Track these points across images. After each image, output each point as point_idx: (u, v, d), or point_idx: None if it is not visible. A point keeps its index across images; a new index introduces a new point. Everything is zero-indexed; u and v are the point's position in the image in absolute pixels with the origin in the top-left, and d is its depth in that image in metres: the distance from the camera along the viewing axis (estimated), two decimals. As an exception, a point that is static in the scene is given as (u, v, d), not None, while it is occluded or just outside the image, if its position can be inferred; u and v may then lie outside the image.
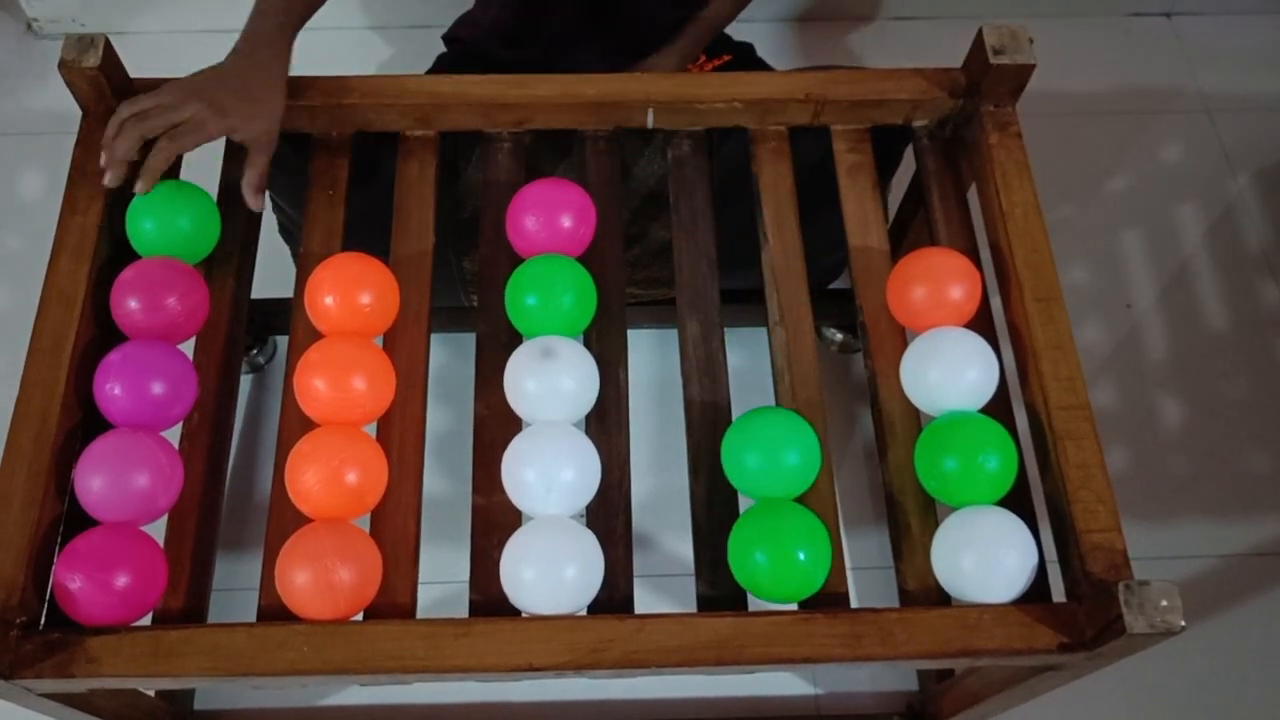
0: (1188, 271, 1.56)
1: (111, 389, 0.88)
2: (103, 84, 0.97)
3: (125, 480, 0.84)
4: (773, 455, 0.87)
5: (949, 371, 0.91)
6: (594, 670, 0.81)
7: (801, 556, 0.83)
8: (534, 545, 0.85)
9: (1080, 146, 1.66)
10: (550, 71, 1.05)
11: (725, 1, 1.25)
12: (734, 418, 0.94)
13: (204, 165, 1.10)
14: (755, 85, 1.04)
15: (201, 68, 0.97)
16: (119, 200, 0.98)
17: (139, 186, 0.93)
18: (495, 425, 0.93)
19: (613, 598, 0.87)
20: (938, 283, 0.94)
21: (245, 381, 1.43)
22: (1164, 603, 0.76)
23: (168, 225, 0.95)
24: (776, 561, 0.83)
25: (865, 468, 1.39)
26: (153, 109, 0.93)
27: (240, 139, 0.96)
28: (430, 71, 1.27)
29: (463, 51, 1.29)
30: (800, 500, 0.89)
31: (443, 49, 1.32)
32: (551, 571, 0.83)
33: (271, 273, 1.13)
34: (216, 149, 1.05)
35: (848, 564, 0.89)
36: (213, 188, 1.04)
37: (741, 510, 0.91)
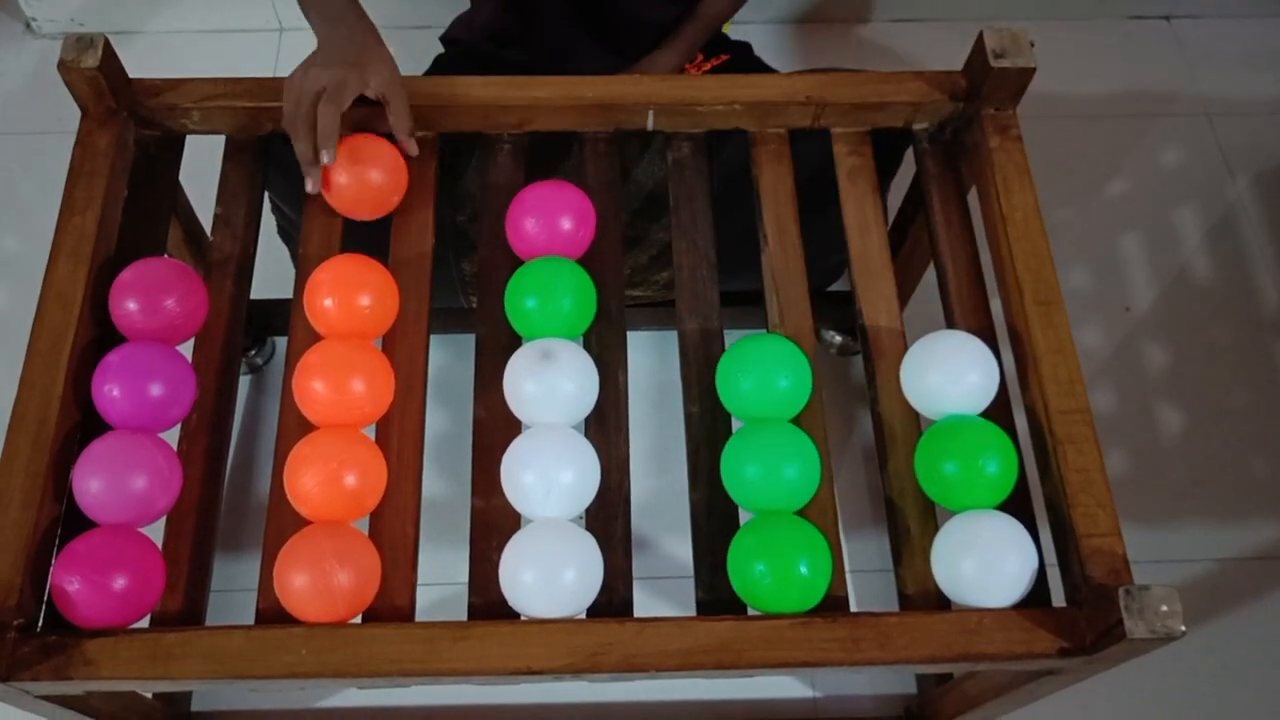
0: (1187, 275, 1.56)
1: (110, 390, 0.88)
2: (101, 84, 0.96)
3: (123, 482, 0.84)
4: (772, 469, 0.87)
5: (949, 375, 0.91)
6: (593, 674, 0.81)
7: (803, 569, 0.83)
8: (533, 548, 0.84)
9: (1079, 149, 1.66)
10: (547, 72, 1.05)
11: None
12: (734, 422, 0.94)
13: (204, 165, 1.10)
14: (755, 88, 1.04)
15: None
16: (118, 201, 0.98)
17: (326, 157, 0.94)
18: (494, 428, 0.93)
19: (612, 601, 0.87)
20: None
21: (243, 383, 1.42)
22: (1164, 608, 0.76)
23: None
24: (777, 574, 0.83)
25: (864, 471, 1.39)
26: (299, 99, 0.95)
27: (374, 90, 0.97)
28: (428, 73, 1.27)
29: (460, 53, 1.29)
30: (800, 510, 0.89)
31: (440, 50, 1.32)
32: (551, 574, 0.83)
33: (270, 274, 1.13)
34: (215, 151, 1.06)
35: (847, 567, 0.88)
36: (212, 186, 1.04)
37: (742, 516, 0.90)
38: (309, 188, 0.98)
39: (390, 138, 1.02)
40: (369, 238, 1.00)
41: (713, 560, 0.89)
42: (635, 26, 1.23)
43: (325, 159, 0.94)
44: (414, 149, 1.01)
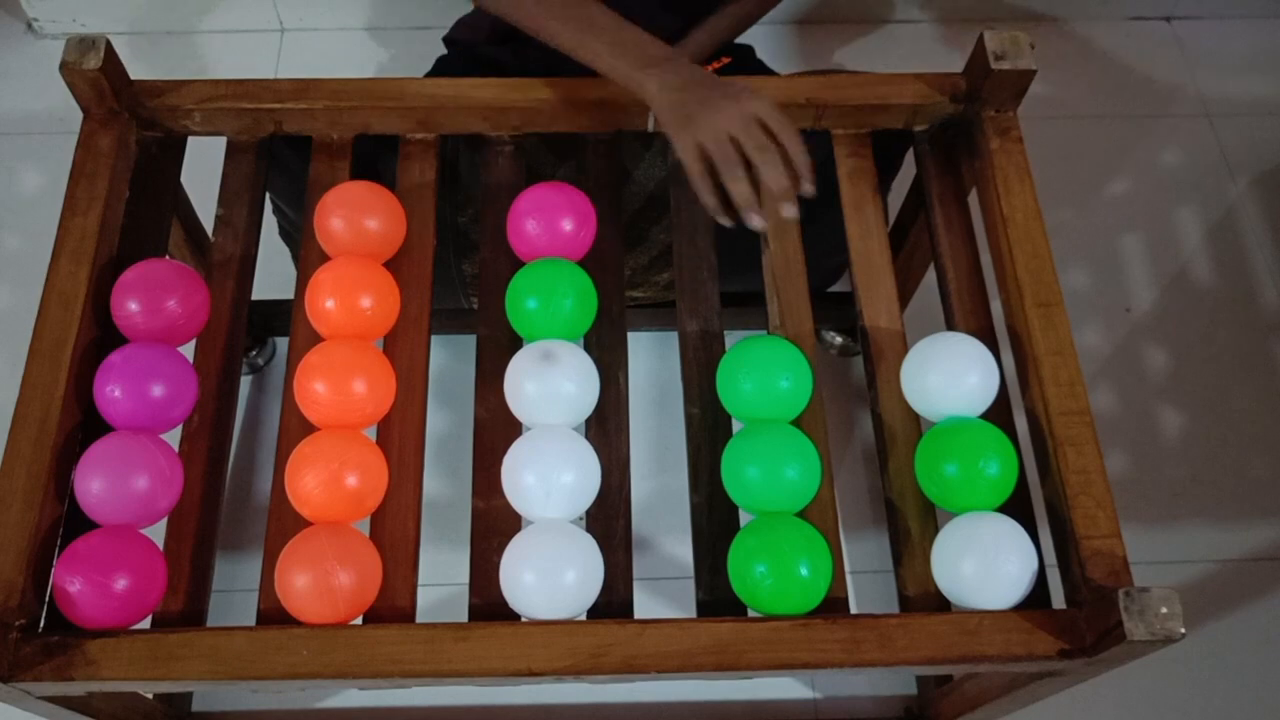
0: (1187, 275, 1.56)
1: (112, 391, 0.88)
2: (104, 85, 0.97)
3: (125, 482, 0.84)
4: (773, 470, 0.87)
5: (949, 377, 0.91)
6: (593, 675, 0.81)
7: (803, 571, 0.83)
8: (534, 549, 0.85)
9: (1080, 150, 1.66)
10: (550, 74, 1.05)
11: (742, 7, 1.24)
12: (734, 424, 0.94)
13: (206, 167, 1.10)
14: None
15: (658, 91, 0.92)
16: (119, 202, 0.99)
17: (809, 187, 0.89)
18: (495, 428, 0.93)
19: (612, 602, 0.87)
20: None
21: (244, 383, 1.42)
22: (1164, 610, 0.76)
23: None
24: (777, 575, 0.83)
25: (865, 472, 1.39)
26: (740, 131, 0.88)
27: (762, 115, 0.89)
28: (430, 74, 1.27)
29: (462, 54, 1.29)
30: (800, 511, 0.89)
31: (443, 51, 1.32)
32: (551, 575, 0.83)
33: (272, 275, 1.13)
34: (217, 153, 1.06)
35: (847, 568, 0.89)
36: (214, 187, 1.04)
37: (742, 517, 0.91)
38: (758, 224, 0.89)
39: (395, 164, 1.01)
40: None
41: (713, 561, 0.89)
42: None
43: (808, 189, 0.88)
44: (811, 189, 0.90)
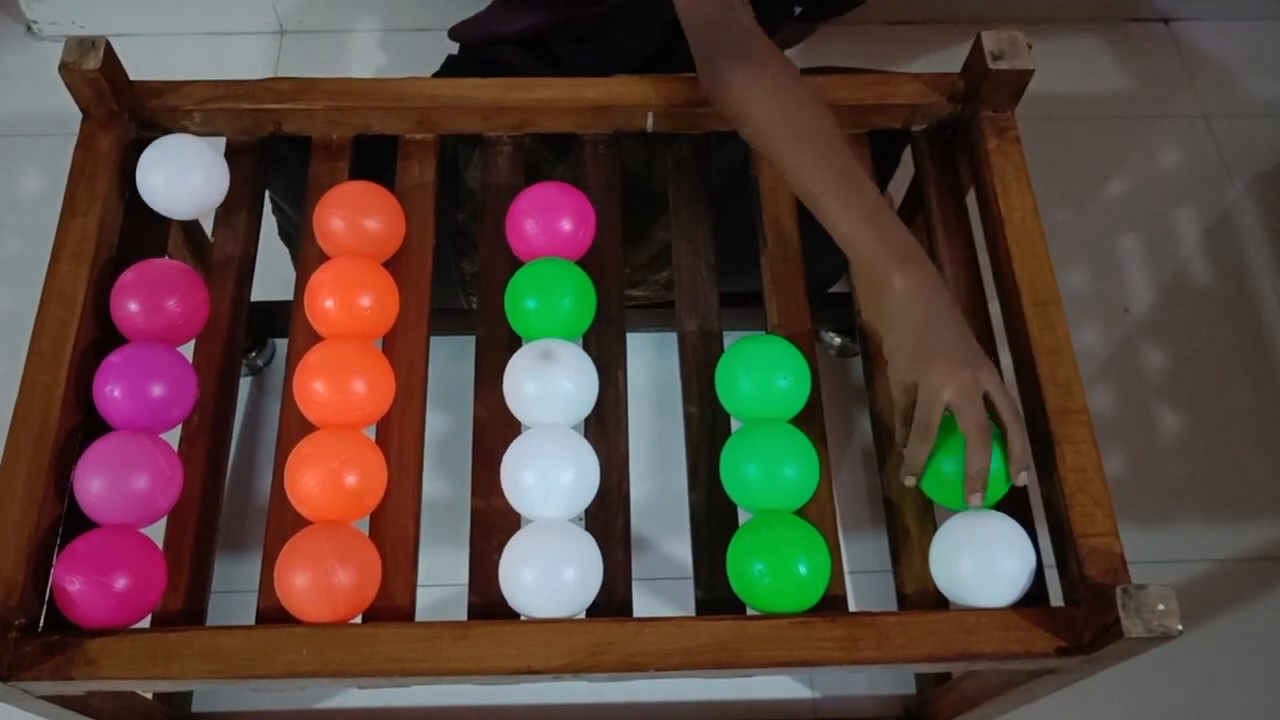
0: (1185, 276, 1.56)
1: (111, 391, 0.88)
2: (103, 86, 0.97)
3: (125, 482, 0.84)
4: (772, 469, 0.87)
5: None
6: (592, 673, 0.81)
7: (802, 569, 0.83)
8: (533, 548, 0.85)
9: (1078, 151, 1.66)
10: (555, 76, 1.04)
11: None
12: (733, 423, 0.94)
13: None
14: (754, 89, 1.04)
15: (894, 320, 0.84)
16: (119, 202, 0.99)
17: (911, 482, 0.87)
18: (494, 428, 0.93)
19: (611, 601, 0.87)
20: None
21: (244, 384, 1.43)
22: (1161, 607, 0.76)
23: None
24: (776, 573, 0.83)
25: (863, 471, 1.39)
26: (923, 413, 0.83)
27: (990, 390, 0.83)
28: (439, 73, 1.27)
29: (472, 56, 1.28)
30: (799, 510, 0.89)
31: (447, 50, 1.31)
32: (550, 574, 0.83)
33: (271, 276, 1.13)
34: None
35: (845, 568, 0.89)
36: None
37: (741, 516, 0.91)
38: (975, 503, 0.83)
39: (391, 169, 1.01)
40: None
41: (712, 560, 0.89)
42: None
43: (1019, 481, 0.84)
44: (1022, 481, 0.85)
